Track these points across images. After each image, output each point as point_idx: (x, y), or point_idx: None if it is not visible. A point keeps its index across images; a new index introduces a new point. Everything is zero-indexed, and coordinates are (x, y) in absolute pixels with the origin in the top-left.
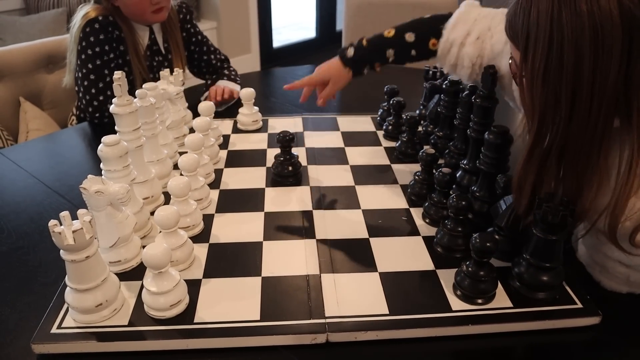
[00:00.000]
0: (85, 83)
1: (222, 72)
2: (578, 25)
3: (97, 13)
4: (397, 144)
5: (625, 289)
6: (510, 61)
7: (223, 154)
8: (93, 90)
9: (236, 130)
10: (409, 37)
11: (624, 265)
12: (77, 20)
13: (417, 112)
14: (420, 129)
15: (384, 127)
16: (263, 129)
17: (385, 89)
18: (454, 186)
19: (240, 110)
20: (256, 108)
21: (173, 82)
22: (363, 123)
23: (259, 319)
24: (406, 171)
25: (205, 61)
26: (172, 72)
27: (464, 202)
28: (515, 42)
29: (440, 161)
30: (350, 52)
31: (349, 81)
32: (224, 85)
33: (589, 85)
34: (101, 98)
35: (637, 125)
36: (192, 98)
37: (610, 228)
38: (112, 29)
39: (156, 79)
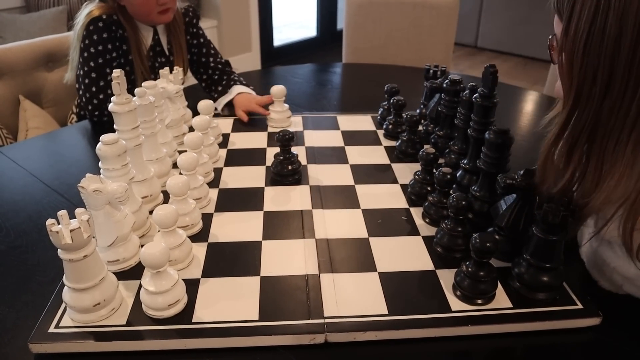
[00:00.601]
0: (86, 81)
1: (230, 76)
2: None
3: (101, 12)
4: (397, 143)
5: (621, 291)
6: (550, 38)
7: (222, 152)
8: (93, 89)
9: (236, 129)
10: None
11: (620, 275)
12: (81, 18)
13: (418, 111)
14: (420, 128)
15: (384, 126)
16: (263, 127)
17: (385, 88)
18: (454, 186)
19: (271, 107)
20: (287, 105)
21: (172, 80)
22: (363, 122)
23: (257, 319)
24: (406, 170)
25: (204, 64)
26: (172, 71)
27: (464, 202)
28: (559, 13)
29: (441, 161)
30: None
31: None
32: (246, 95)
33: (627, 64)
34: (101, 96)
35: None
36: (192, 97)
37: (626, 226)
38: (115, 28)
39: (157, 79)
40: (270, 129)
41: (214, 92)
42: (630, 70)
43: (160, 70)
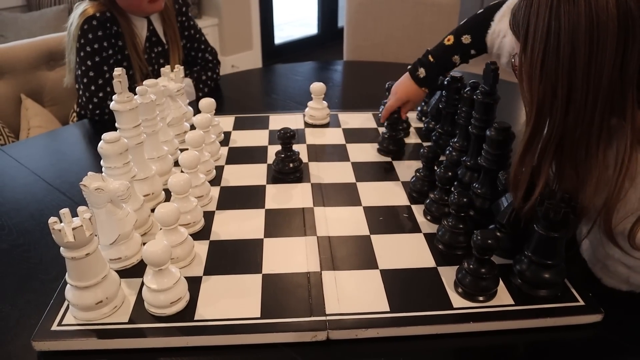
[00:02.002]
0: (85, 80)
1: (199, 73)
2: (575, 16)
3: (95, 10)
4: (379, 140)
5: (625, 287)
6: (512, 58)
7: (224, 150)
8: (93, 87)
9: (237, 127)
10: (466, 39)
11: (625, 265)
12: (75, 18)
13: (419, 108)
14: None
15: (385, 124)
16: (264, 125)
17: (386, 86)
18: (455, 183)
19: (309, 104)
20: (325, 103)
21: (174, 78)
22: (364, 120)
23: (259, 316)
24: (407, 168)
25: (193, 57)
26: (169, 62)
27: (465, 199)
28: (516, 34)
29: (442, 158)
30: (422, 72)
31: (425, 95)
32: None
33: (584, 77)
34: (101, 95)
35: (630, 120)
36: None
37: (606, 225)
38: (110, 25)
39: (155, 71)
40: (271, 127)
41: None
42: (588, 83)
43: (162, 69)
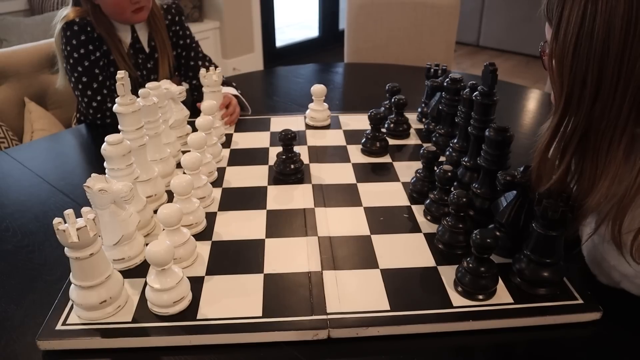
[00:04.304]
0: (80, 86)
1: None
2: (613, 1)
3: (75, 15)
4: (362, 141)
5: (618, 287)
6: (541, 44)
7: (226, 152)
8: (89, 92)
9: (239, 129)
10: None
11: (618, 272)
12: (57, 23)
13: (419, 109)
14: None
15: (386, 125)
16: (265, 127)
17: (386, 87)
18: (455, 183)
19: (310, 106)
20: (326, 105)
21: (217, 80)
22: (365, 121)
23: (261, 315)
24: (407, 168)
25: (192, 67)
26: (157, 71)
27: (464, 199)
28: (549, 19)
29: (442, 159)
30: None
31: None
32: (231, 94)
33: (616, 65)
34: (99, 98)
35: None
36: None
37: (613, 227)
38: (91, 29)
39: (143, 76)
40: (272, 129)
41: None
42: (619, 72)
43: (201, 72)
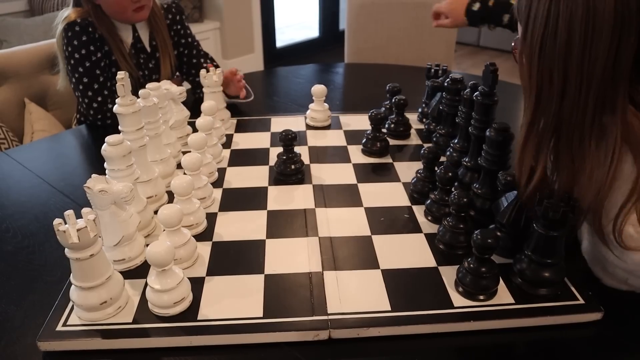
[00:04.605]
0: (81, 87)
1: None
2: (573, 4)
3: (77, 15)
4: (363, 141)
5: (624, 287)
6: (513, 42)
7: (226, 153)
8: (90, 93)
9: (239, 129)
10: None
11: (622, 269)
12: (58, 24)
13: (420, 110)
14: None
15: (386, 126)
16: (266, 127)
17: (387, 88)
18: (455, 183)
19: (311, 106)
20: (326, 105)
21: (217, 80)
22: (365, 121)
23: (262, 316)
24: (408, 169)
25: (194, 65)
26: (159, 70)
27: (465, 199)
28: (519, 18)
29: (442, 159)
30: (476, 6)
31: (465, 25)
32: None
33: (579, 65)
34: (99, 99)
35: (621, 112)
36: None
37: (595, 221)
38: (92, 30)
39: (145, 76)
40: (273, 130)
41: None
42: (582, 71)
43: (201, 72)
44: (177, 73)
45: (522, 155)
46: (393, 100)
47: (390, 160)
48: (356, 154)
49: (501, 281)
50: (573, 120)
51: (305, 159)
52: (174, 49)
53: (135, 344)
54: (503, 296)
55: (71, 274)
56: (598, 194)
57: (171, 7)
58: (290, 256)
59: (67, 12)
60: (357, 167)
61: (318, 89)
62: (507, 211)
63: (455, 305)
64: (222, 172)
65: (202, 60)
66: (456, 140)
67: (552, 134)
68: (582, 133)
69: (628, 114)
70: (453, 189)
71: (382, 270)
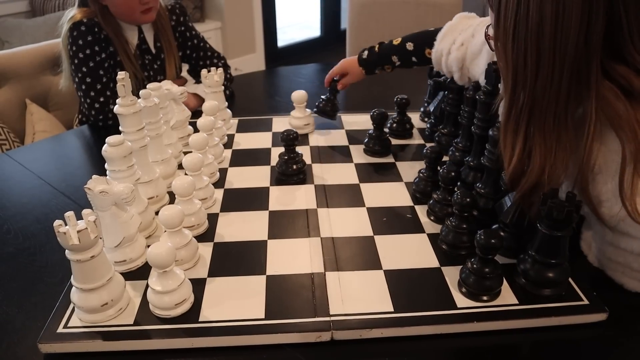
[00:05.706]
0: (84, 87)
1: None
2: None
3: (83, 15)
4: (365, 141)
5: None
6: (486, 29)
7: (227, 153)
8: (92, 93)
9: (240, 129)
10: (409, 46)
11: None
12: (64, 24)
13: (422, 109)
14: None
15: (388, 125)
16: (267, 127)
17: (395, 100)
18: (458, 183)
19: (292, 113)
20: (309, 110)
21: (218, 80)
22: (367, 121)
23: (263, 317)
24: (410, 168)
25: (203, 66)
26: (164, 72)
27: (468, 199)
28: (491, 6)
29: (445, 158)
30: (365, 54)
31: (363, 77)
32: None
33: (551, 45)
34: (102, 99)
35: (595, 91)
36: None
37: (584, 196)
38: (98, 30)
39: (150, 77)
40: (274, 130)
41: None
42: (554, 51)
43: (202, 71)
44: (181, 74)
45: (504, 137)
46: (395, 99)
47: (393, 160)
48: (358, 153)
49: (505, 282)
50: (546, 100)
51: (307, 159)
52: (179, 50)
53: (136, 345)
54: (507, 297)
55: (72, 276)
56: (583, 165)
57: (175, 8)
58: (292, 257)
59: (73, 12)
60: (359, 166)
61: (297, 95)
62: (511, 211)
63: (459, 306)
64: (223, 172)
65: (215, 60)
66: (459, 140)
67: (528, 115)
68: (556, 113)
69: (603, 88)
70: (456, 189)
71: (385, 271)
